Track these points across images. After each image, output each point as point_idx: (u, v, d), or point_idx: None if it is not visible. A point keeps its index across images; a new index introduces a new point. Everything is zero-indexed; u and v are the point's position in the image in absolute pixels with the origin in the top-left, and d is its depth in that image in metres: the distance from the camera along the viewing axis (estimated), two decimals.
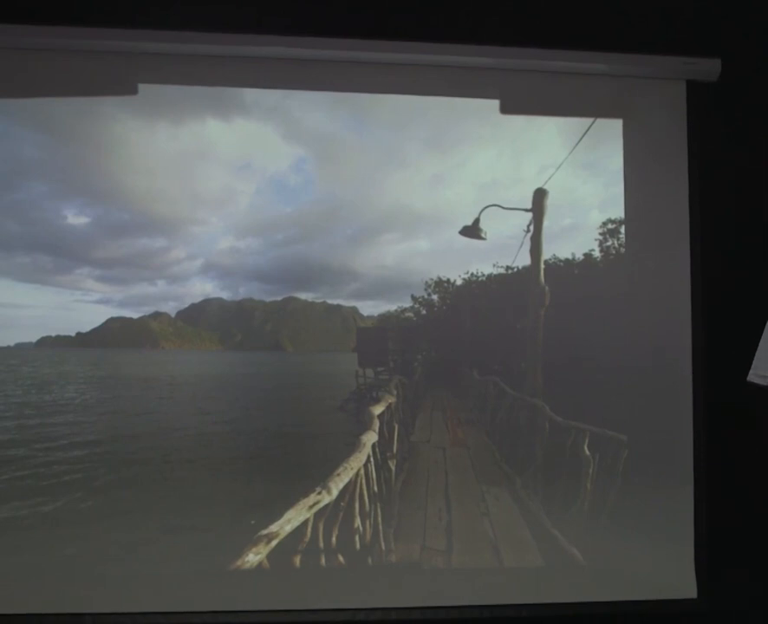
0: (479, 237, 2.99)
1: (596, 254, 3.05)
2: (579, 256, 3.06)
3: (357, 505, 2.85)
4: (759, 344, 1.22)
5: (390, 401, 3.02)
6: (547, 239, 3.04)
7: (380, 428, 2.95)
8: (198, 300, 3.00)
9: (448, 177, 2.98)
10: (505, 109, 2.96)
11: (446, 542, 2.86)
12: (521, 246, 3.03)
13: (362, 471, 2.88)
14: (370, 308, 3.10)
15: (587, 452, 2.97)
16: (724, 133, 2.94)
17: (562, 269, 3.06)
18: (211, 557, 2.69)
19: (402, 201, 3.00)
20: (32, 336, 2.91)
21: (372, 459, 2.91)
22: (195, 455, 2.85)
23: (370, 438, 2.92)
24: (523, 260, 3.04)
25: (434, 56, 2.86)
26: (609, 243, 3.06)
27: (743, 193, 2.98)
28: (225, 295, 3.02)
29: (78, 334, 2.93)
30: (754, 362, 1.40)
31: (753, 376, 1.27)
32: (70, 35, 2.71)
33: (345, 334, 3.16)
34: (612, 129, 3.04)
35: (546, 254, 3.05)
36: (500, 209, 3.00)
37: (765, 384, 1.13)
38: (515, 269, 3.03)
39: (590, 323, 3.00)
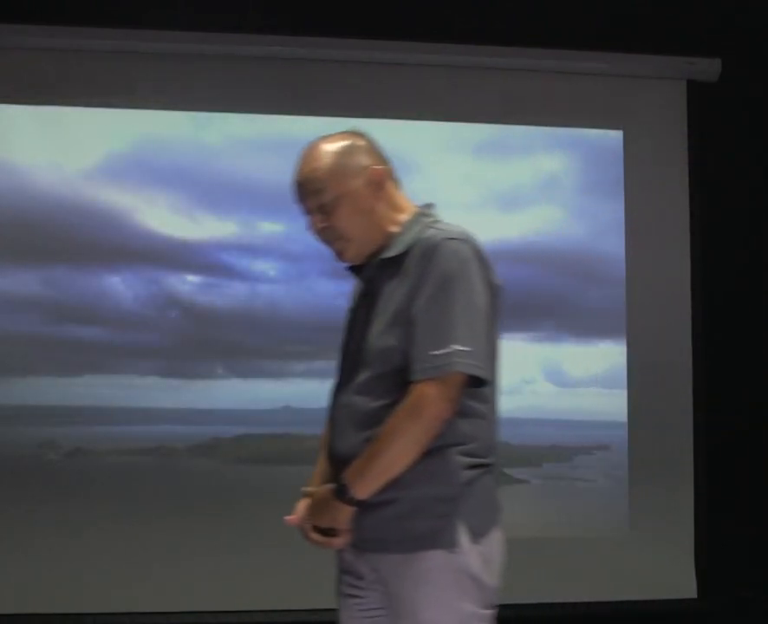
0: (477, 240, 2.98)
1: None
2: None
3: None
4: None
5: None
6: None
7: None
8: None
9: (449, 179, 2.95)
10: (505, 109, 2.95)
11: None
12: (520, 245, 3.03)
13: None
14: None
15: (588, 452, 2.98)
16: (724, 133, 2.94)
17: None
18: (212, 557, 2.68)
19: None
20: None
21: None
22: (196, 455, 2.85)
23: None
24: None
25: (434, 56, 2.86)
26: None
27: (743, 193, 2.98)
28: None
29: None
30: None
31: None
32: (70, 35, 2.72)
33: None
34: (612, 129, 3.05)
35: None
36: (498, 211, 3.00)
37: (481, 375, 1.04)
38: None
39: None
